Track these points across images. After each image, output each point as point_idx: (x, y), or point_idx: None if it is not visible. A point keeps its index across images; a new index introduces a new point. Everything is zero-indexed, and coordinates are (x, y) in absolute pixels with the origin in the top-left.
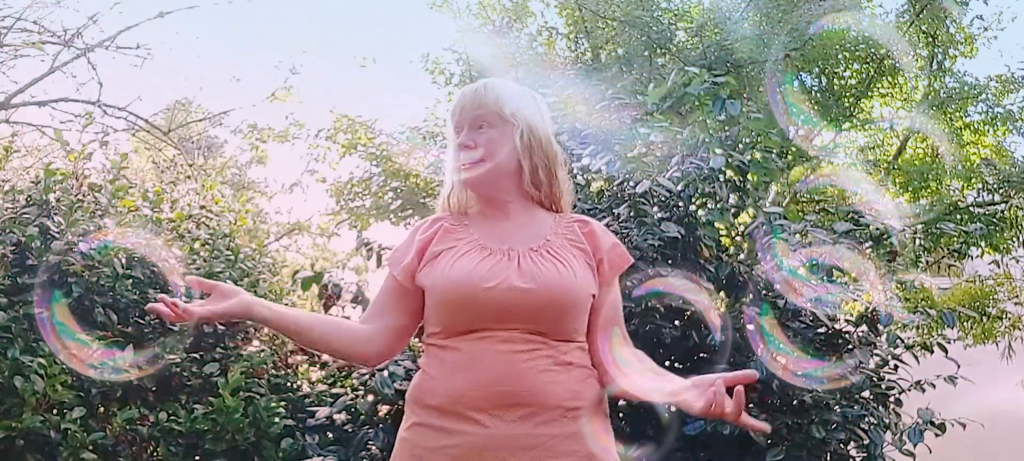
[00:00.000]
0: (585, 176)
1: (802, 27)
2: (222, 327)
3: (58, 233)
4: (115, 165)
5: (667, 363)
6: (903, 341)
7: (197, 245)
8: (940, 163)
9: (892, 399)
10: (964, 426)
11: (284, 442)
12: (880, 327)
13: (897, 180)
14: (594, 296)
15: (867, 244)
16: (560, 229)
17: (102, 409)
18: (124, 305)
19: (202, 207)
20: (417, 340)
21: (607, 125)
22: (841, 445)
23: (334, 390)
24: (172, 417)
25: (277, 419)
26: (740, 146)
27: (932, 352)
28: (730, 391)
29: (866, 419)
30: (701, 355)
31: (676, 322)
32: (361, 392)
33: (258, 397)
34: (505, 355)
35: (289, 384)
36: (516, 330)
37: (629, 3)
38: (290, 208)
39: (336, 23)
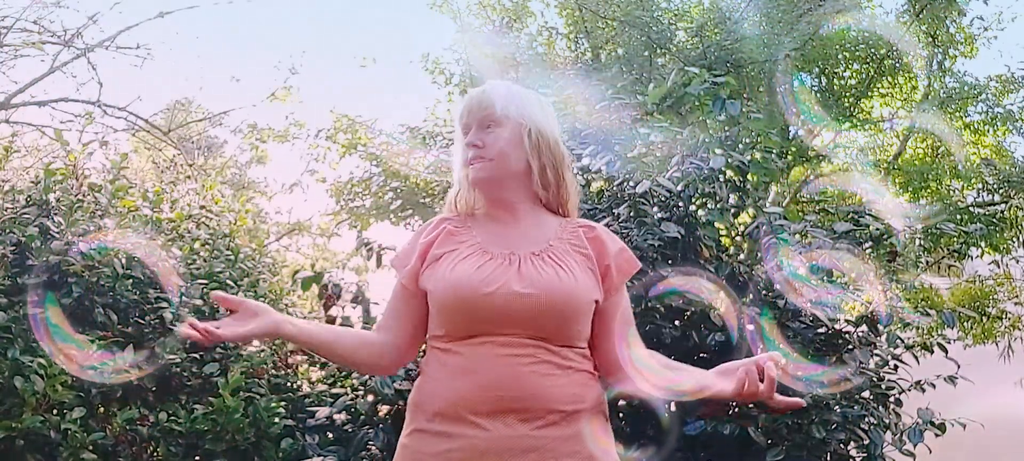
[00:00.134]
0: (585, 176)
1: (803, 27)
2: None
3: (58, 233)
4: (115, 165)
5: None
6: (903, 341)
7: (197, 245)
8: (940, 163)
9: (892, 399)
10: (964, 426)
11: (284, 442)
12: (880, 327)
13: (897, 180)
14: (597, 302)
15: (867, 244)
16: (565, 234)
17: (102, 409)
18: (124, 305)
19: (202, 207)
20: None
21: (607, 125)
22: (841, 445)
23: (334, 390)
24: (172, 417)
25: (277, 419)
26: (740, 146)
27: (932, 352)
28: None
29: (866, 419)
30: (701, 355)
31: (676, 322)
32: (361, 392)
33: (258, 397)
34: (505, 359)
35: (289, 384)
36: (516, 335)
37: (629, 3)
38: (290, 208)
39: (336, 23)
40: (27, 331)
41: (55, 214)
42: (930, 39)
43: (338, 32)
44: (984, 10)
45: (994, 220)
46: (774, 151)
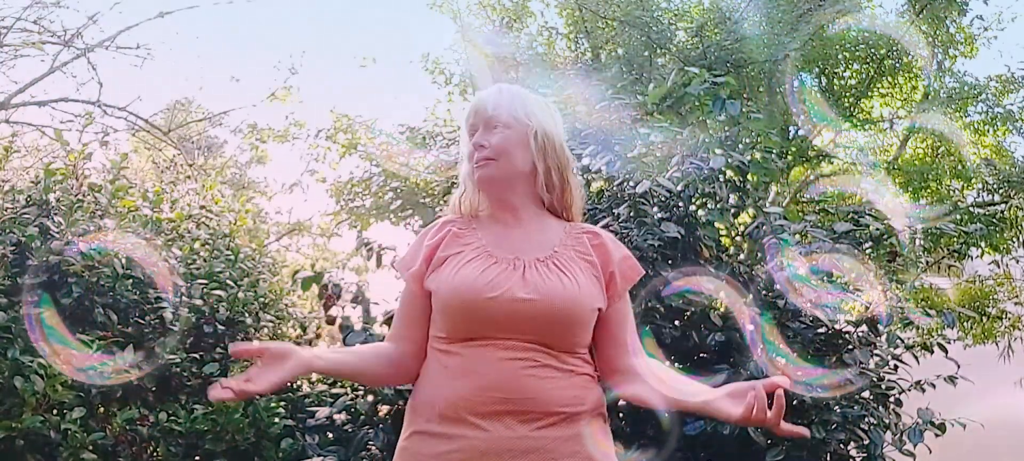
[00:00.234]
0: (585, 176)
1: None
2: (222, 327)
3: (58, 233)
4: (115, 165)
5: (666, 364)
6: (903, 341)
7: (197, 245)
8: (940, 163)
9: (892, 399)
10: (964, 426)
11: (284, 442)
12: (880, 327)
13: (897, 180)
14: (600, 309)
15: (867, 245)
16: (569, 240)
17: (102, 409)
18: (124, 305)
19: (202, 207)
20: None
21: (607, 125)
22: (841, 445)
23: (334, 390)
24: (172, 417)
25: (277, 419)
26: (740, 146)
27: (932, 352)
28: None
29: (866, 419)
30: (701, 355)
31: (676, 322)
32: (361, 392)
33: (258, 397)
34: (506, 362)
35: (289, 384)
36: (518, 339)
37: (629, 3)
38: (290, 208)
39: (336, 23)
40: (27, 331)
41: (55, 214)
42: (930, 39)
43: (338, 32)
44: (984, 10)
45: (994, 220)
46: (774, 151)
